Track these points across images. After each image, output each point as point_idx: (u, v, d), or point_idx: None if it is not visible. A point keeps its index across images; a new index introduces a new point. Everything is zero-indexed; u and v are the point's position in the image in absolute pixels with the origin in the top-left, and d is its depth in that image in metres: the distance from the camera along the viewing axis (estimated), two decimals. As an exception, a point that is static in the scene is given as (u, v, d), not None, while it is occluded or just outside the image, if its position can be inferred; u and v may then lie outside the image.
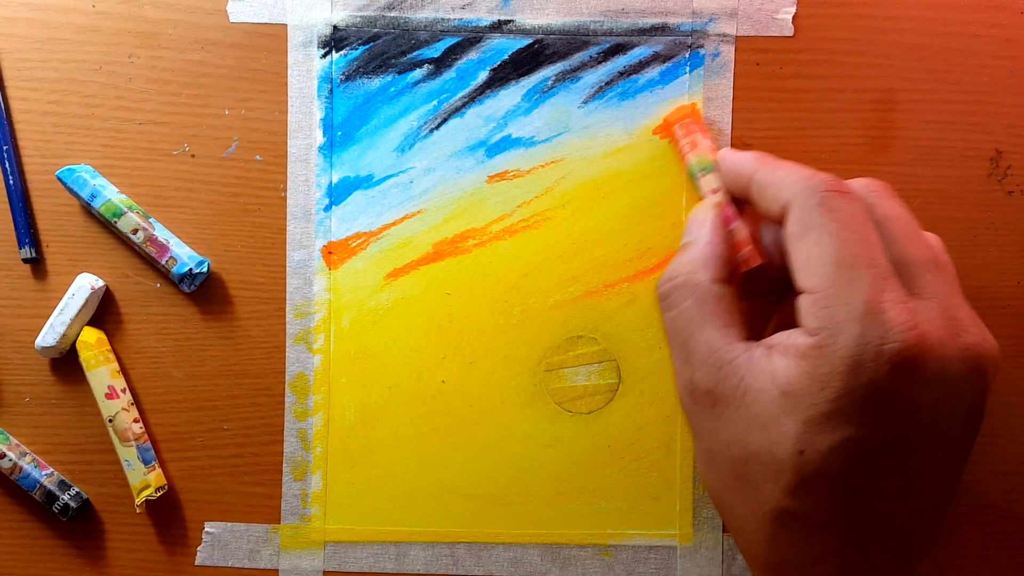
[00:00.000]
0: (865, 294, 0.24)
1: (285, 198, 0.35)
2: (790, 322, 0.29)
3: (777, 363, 0.25)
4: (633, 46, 0.35)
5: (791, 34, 0.35)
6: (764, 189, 0.28)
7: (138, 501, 0.34)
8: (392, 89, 0.35)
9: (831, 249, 0.25)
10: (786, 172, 0.27)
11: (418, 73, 0.35)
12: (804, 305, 0.25)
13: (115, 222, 0.34)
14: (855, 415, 0.24)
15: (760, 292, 0.31)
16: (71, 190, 0.34)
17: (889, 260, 0.25)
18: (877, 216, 0.27)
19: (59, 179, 0.34)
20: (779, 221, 0.27)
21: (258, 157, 0.35)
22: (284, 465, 0.36)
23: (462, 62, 0.35)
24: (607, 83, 0.35)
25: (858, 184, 0.28)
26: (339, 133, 0.35)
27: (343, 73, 0.35)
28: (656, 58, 0.35)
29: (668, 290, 0.29)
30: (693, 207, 0.31)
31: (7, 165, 0.35)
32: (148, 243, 0.34)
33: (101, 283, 0.35)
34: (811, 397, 0.24)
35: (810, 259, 0.25)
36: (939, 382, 0.24)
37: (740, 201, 0.31)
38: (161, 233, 0.35)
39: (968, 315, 0.26)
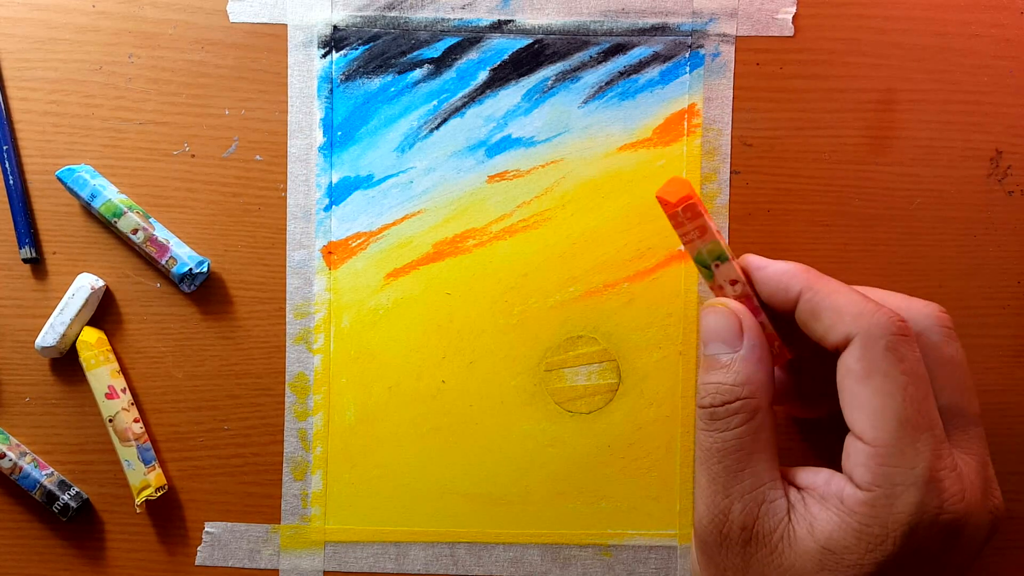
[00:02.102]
0: (927, 460, 0.24)
1: (285, 198, 0.35)
2: (796, 397, 0.29)
3: (816, 513, 0.25)
4: (633, 46, 0.35)
5: (791, 34, 0.35)
6: (819, 313, 0.26)
7: (138, 501, 0.34)
8: (392, 89, 0.35)
9: (898, 404, 0.24)
10: (848, 300, 0.26)
11: (418, 73, 0.35)
12: (857, 455, 0.25)
13: (115, 222, 0.34)
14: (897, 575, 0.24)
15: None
16: (71, 190, 0.34)
17: (944, 408, 0.26)
18: (941, 357, 0.26)
19: (59, 179, 0.34)
20: (830, 348, 0.26)
21: (258, 157, 0.35)
22: (284, 465, 0.36)
23: (462, 62, 0.35)
24: (607, 83, 0.35)
25: (925, 316, 0.27)
26: (339, 133, 0.35)
27: (343, 73, 0.35)
28: (656, 58, 0.35)
29: (722, 412, 0.26)
30: (711, 304, 0.28)
31: (7, 165, 0.35)
32: (148, 243, 0.34)
33: (101, 283, 0.35)
34: (857, 556, 0.24)
35: (873, 409, 0.25)
36: (970, 542, 0.25)
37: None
38: (161, 233, 0.35)
39: (992, 472, 0.27)
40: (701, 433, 0.27)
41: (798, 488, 0.26)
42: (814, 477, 0.26)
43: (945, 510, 0.24)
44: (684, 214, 0.28)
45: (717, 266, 0.28)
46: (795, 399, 0.31)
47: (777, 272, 0.28)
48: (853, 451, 0.25)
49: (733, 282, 0.28)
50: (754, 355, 0.27)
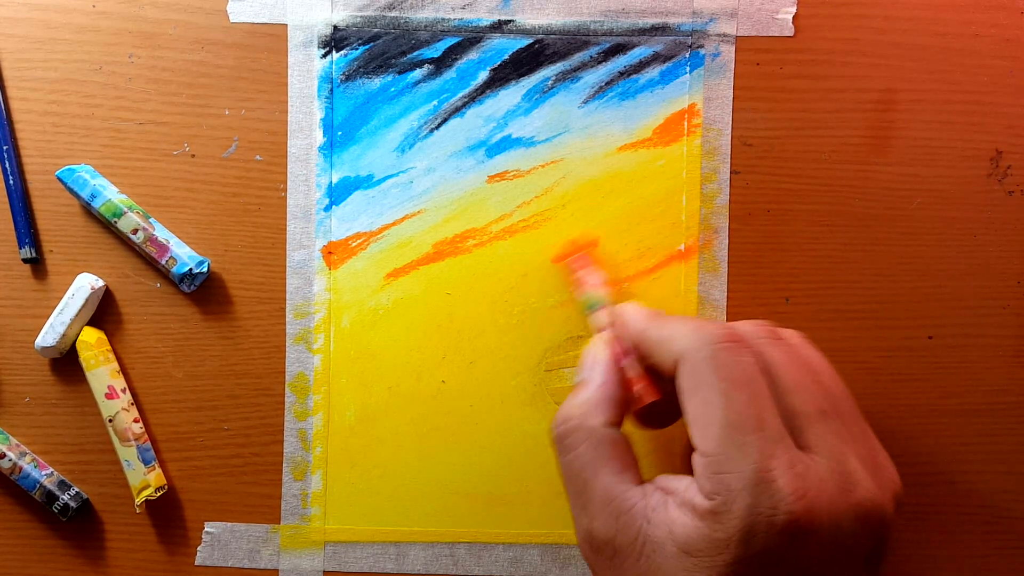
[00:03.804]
0: (754, 462, 0.24)
1: (285, 198, 0.35)
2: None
3: (675, 517, 0.25)
4: (633, 46, 0.35)
5: (791, 34, 0.35)
6: (653, 346, 0.28)
7: (138, 501, 0.34)
8: (392, 89, 0.35)
9: (719, 410, 0.25)
10: (675, 325, 0.27)
11: (418, 73, 0.35)
12: (698, 466, 0.25)
13: (115, 222, 0.34)
14: None
15: (658, 422, 0.31)
16: (71, 190, 0.34)
17: (779, 416, 0.25)
18: (766, 364, 0.26)
19: (59, 179, 0.34)
20: (670, 375, 0.27)
21: (258, 157, 0.35)
22: (284, 465, 0.36)
23: (462, 62, 0.35)
24: (607, 83, 0.35)
25: (747, 329, 0.28)
26: (339, 133, 0.35)
27: (343, 73, 0.35)
28: (656, 58, 0.35)
29: (563, 433, 0.28)
30: (589, 338, 0.31)
31: (7, 165, 0.35)
32: (148, 243, 0.34)
33: (101, 283, 0.35)
34: (710, 559, 0.24)
35: (700, 419, 0.25)
36: (832, 541, 0.24)
37: None
38: (161, 233, 0.35)
39: (858, 466, 0.26)
40: (558, 460, 0.28)
41: (664, 492, 0.26)
42: (677, 483, 0.26)
43: (779, 511, 0.24)
44: (570, 266, 0.34)
45: (590, 313, 0.32)
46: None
47: (625, 317, 0.30)
48: (696, 463, 0.25)
49: (601, 329, 0.31)
50: (596, 381, 0.29)
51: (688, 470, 0.26)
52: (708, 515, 0.24)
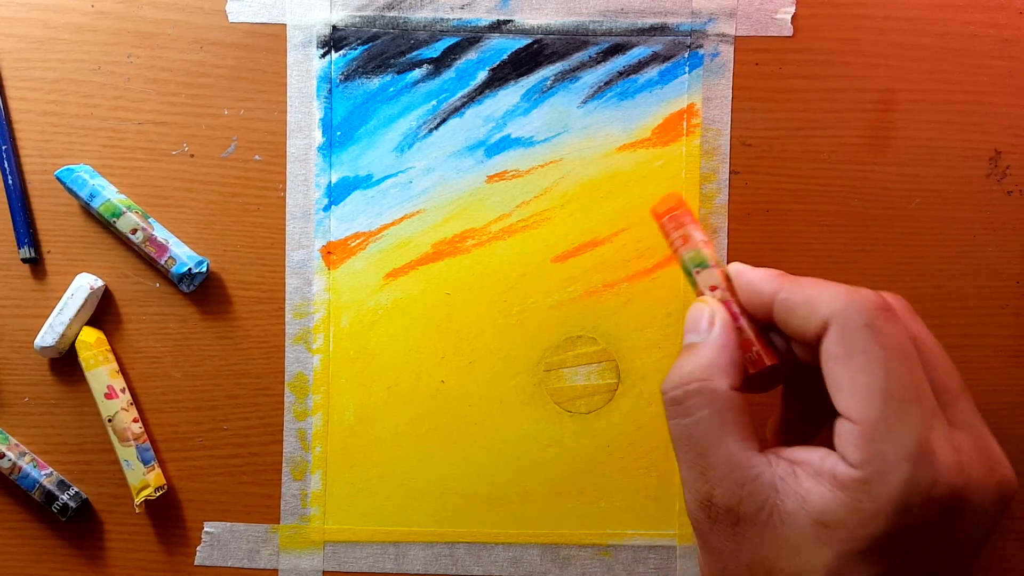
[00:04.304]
0: (916, 432, 0.24)
1: (284, 198, 0.35)
2: (798, 422, 0.28)
3: (809, 488, 0.25)
4: (632, 46, 0.35)
5: (790, 34, 0.35)
6: (794, 308, 0.26)
7: (137, 501, 0.34)
8: (391, 89, 0.35)
9: (880, 379, 0.24)
10: (819, 289, 0.26)
11: (417, 73, 0.35)
12: (847, 434, 0.24)
13: (114, 222, 0.34)
14: (895, 552, 0.24)
15: (759, 387, 0.30)
16: (70, 190, 0.34)
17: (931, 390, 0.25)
18: (912, 336, 0.26)
19: (58, 179, 0.34)
20: (812, 341, 0.26)
21: (257, 157, 0.35)
22: (283, 465, 0.36)
23: (461, 62, 0.35)
24: (606, 83, 0.35)
25: (891, 299, 0.27)
26: (338, 133, 0.35)
27: (342, 73, 0.35)
28: (655, 58, 0.35)
29: (681, 396, 0.27)
30: (693, 303, 0.29)
31: (6, 165, 0.35)
32: (147, 243, 0.34)
33: (100, 283, 0.35)
34: (851, 531, 0.24)
35: (856, 386, 0.24)
36: (975, 517, 0.24)
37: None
38: (160, 233, 0.35)
39: (996, 445, 0.26)
40: (669, 423, 0.27)
41: (791, 462, 0.26)
42: (809, 454, 0.25)
43: (939, 483, 0.23)
44: (669, 224, 0.30)
45: (698, 272, 0.30)
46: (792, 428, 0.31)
47: (752, 277, 0.28)
48: (842, 432, 0.25)
49: (713, 288, 0.29)
50: (717, 342, 0.27)
51: (776, 443, 0.26)
52: (856, 484, 0.24)
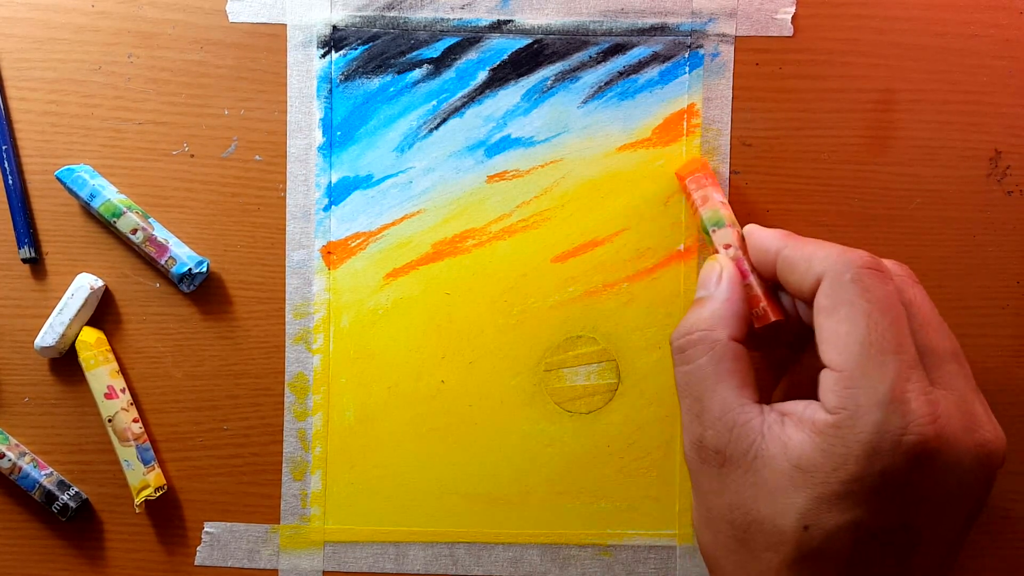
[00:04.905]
0: (890, 381, 0.24)
1: (284, 198, 0.35)
2: (801, 385, 0.29)
3: (791, 434, 0.25)
4: (632, 46, 0.35)
5: (790, 34, 0.35)
6: (794, 264, 0.28)
7: (137, 501, 0.34)
8: (391, 89, 0.35)
9: (861, 329, 0.25)
10: (817, 247, 0.27)
11: (417, 73, 0.35)
12: (827, 382, 0.25)
13: (114, 222, 0.34)
14: (865, 499, 0.24)
15: (768, 344, 0.31)
16: (70, 190, 0.34)
17: (915, 347, 0.25)
18: (904, 300, 0.27)
19: (58, 179, 0.34)
20: (808, 297, 0.27)
21: (257, 157, 0.35)
22: (283, 465, 0.36)
23: (461, 62, 0.35)
24: (606, 83, 0.35)
25: (889, 264, 0.28)
26: (338, 133, 0.35)
27: (342, 73, 0.35)
28: (655, 58, 0.35)
29: (684, 344, 0.28)
30: (706, 260, 0.31)
31: (7, 165, 0.35)
32: (147, 243, 0.34)
33: (100, 283, 0.35)
34: (823, 475, 0.24)
35: (838, 336, 0.25)
36: (951, 475, 0.25)
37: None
38: (160, 233, 0.35)
39: (983, 410, 0.26)
40: (675, 370, 0.29)
41: (781, 413, 0.26)
42: (795, 405, 0.26)
43: (910, 431, 0.24)
44: (691, 184, 0.33)
45: (714, 231, 0.32)
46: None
47: (760, 235, 0.30)
48: (824, 380, 0.25)
49: (727, 246, 0.31)
50: (722, 296, 0.29)
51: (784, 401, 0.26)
52: (829, 428, 0.24)
